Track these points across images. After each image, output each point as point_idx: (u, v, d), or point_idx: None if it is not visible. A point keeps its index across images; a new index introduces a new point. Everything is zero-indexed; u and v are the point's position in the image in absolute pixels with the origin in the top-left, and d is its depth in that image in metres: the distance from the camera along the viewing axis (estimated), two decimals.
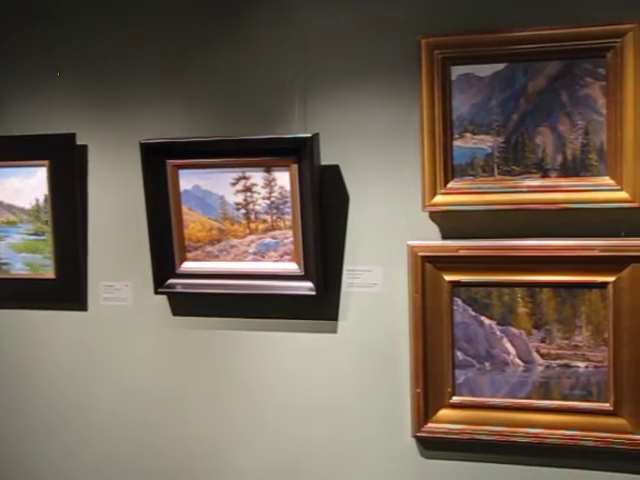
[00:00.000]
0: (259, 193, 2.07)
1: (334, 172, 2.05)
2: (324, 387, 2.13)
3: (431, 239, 1.99)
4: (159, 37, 2.15)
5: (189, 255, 2.15)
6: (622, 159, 1.84)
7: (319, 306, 2.08)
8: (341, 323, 2.09)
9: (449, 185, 1.94)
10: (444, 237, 2.00)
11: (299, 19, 2.04)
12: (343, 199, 2.06)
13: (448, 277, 1.96)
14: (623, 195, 1.85)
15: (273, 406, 2.17)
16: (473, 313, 1.96)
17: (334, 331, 2.10)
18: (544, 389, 1.94)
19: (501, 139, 1.92)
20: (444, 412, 2.00)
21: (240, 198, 2.08)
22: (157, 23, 2.15)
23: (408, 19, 1.97)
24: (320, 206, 2.01)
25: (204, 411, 2.23)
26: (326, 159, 2.04)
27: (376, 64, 2.01)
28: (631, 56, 1.80)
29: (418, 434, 2.01)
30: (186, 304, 2.21)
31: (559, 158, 1.89)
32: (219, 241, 2.12)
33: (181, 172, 2.11)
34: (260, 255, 2.10)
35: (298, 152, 1.99)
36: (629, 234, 1.88)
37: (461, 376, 1.99)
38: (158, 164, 2.11)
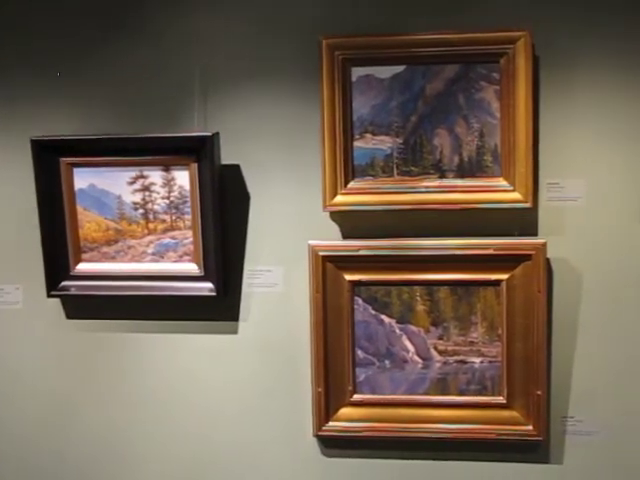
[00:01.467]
0: (158, 192, 2.02)
1: (235, 172, 2.03)
2: (225, 389, 2.11)
3: (332, 239, 2.00)
4: (58, 34, 2.05)
5: (84, 256, 2.07)
6: (515, 161, 1.90)
7: (219, 307, 2.06)
8: (242, 324, 2.08)
9: (349, 185, 1.96)
10: (345, 237, 2.01)
11: (200, 18, 2.00)
12: (244, 199, 2.04)
13: (349, 276, 1.97)
14: (516, 196, 1.91)
15: (174, 409, 2.13)
16: (373, 312, 1.99)
17: (235, 332, 2.08)
18: (442, 385, 1.99)
19: (400, 140, 1.95)
20: (345, 411, 2.02)
21: (138, 197, 2.03)
22: (55, 20, 2.05)
23: (310, 20, 1.97)
24: (220, 206, 1.99)
25: (101, 415, 2.16)
26: (227, 159, 2.01)
27: (277, 64, 2.00)
28: (522, 62, 1.86)
29: (319, 433, 2.02)
30: (81, 307, 2.13)
31: (456, 159, 1.94)
32: (116, 242, 2.06)
33: (76, 170, 2.03)
34: (159, 256, 2.05)
35: (198, 151, 1.96)
36: (522, 234, 1.95)
37: (362, 374, 2.01)
38: (51, 162, 2.02)
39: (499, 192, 1.92)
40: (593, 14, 1.89)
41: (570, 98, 1.92)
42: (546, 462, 2.02)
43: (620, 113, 1.91)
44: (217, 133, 1.98)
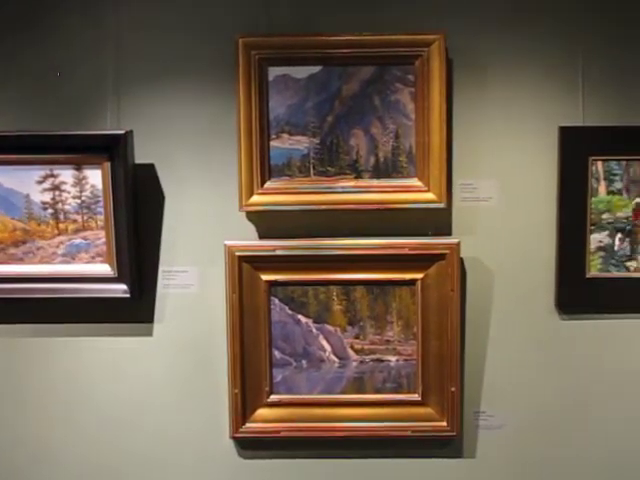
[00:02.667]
0: (69, 192, 1.96)
1: (149, 171, 1.99)
2: (141, 392, 2.07)
3: (248, 239, 1.99)
4: None
5: None
6: (429, 162, 1.93)
7: (134, 309, 2.01)
8: (157, 325, 2.04)
9: (266, 185, 1.95)
10: (261, 237, 2.00)
11: (115, 16, 1.96)
12: (159, 199, 2.01)
13: (265, 277, 1.97)
14: (430, 196, 1.94)
15: (88, 413, 2.08)
16: (290, 312, 1.99)
17: (150, 334, 2.04)
18: (358, 384, 2.01)
19: (317, 140, 1.95)
20: (262, 411, 2.01)
21: (47, 197, 1.96)
22: None
23: (226, 19, 1.95)
24: (134, 206, 1.95)
25: (9, 420, 2.09)
26: (141, 158, 1.98)
27: (194, 63, 1.97)
28: (437, 65, 1.90)
29: (236, 435, 2.01)
30: None
31: (372, 160, 1.96)
32: (24, 242, 1.98)
33: None
34: (70, 257, 1.99)
35: (111, 150, 1.91)
36: (436, 233, 1.99)
37: (278, 375, 2.00)
38: None
39: (414, 192, 1.95)
40: (504, 17, 1.95)
41: (482, 100, 1.97)
42: (459, 456, 2.07)
43: (530, 114, 1.97)
44: (131, 131, 1.94)
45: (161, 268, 2.03)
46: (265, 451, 2.06)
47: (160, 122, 1.99)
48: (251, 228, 2.00)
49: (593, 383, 2.05)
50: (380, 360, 2.00)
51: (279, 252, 1.95)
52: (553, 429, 2.07)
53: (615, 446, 2.07)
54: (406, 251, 1.95)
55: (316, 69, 1.94)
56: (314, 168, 1.96)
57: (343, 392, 2.01)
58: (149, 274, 2.02)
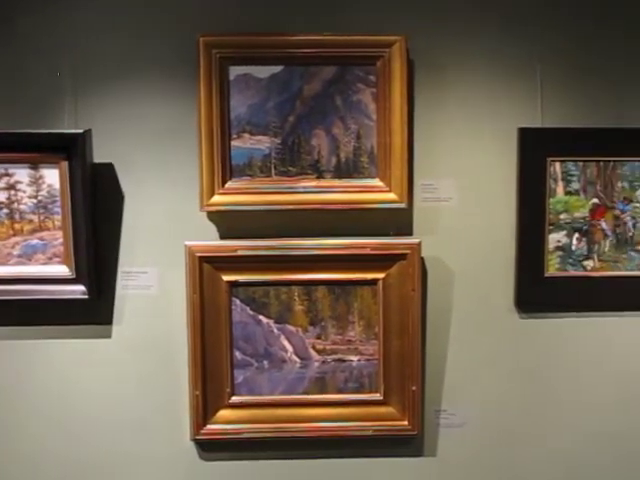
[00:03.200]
0: (24, 191, 1.92)
1: (108, 171, 1.97)
2: (100, 394, 2.03)
3: (209, 239, 1.97)
4: None
5: None
6: (391, 162, 1.94)
7: (92, 310, 1.98)
8: (116, 327, 2.01)
9: (227, 185, 1.94)
10: (222, 237, 1.99)
11: (74, 15, 1.93)
12: (118, 199, 1.98)
13: (226, 277, 1.95)
14: (391, 196, 1.95)
15: (45, 418, 2.04)
16: (251, 312, 1.98)
17: (108, 336, 2.01)
18: (320, 384, 2.00)
19: (278, 140, 1.95)
20: (223, 413, 1.99)
21: (2, 197, 1.92)
22: None
23: (187, 18, 1.94)
24: (92, 206, 1.92)
25: None
26: (100, 157, 1.95)
27: (153, 62, 1.95)
28: (398, 66, 1.91)
29: (197, 437, 1.99)
30: None
31: (333, 160, 1.96)
32: None
33: None
34: (26, 258, 1.94)
35: (68, 149, 1.88)
36: (397, 233, 1.99)
37: (240, 376, 1.99)
38: None
39: (375, 192, 1.96)
40: (465, 18, 1.97)
41: (443, 101, 1.99)
42: (420, 455, 2.08)
43: (489, 115, 2.00)
44: (89, 130, 1.91)
45: (120, 269, 2.00)
46: (226, 453, 2.05)
47: (120, 122, 1.96)
48: (212, 228, 1.99)
49: (552, 380, 2.08)
50: (342, 360, 2.00)
51: (240, 252, 1.94)
52: (513, 427, 2.09)
53: (574, 442, 2.10)
54: (367, 251, 1.96)
55: (278, 69, 1.93)
56: (275, 168, 1.96)
57: (305, 392, 2.00)
58: (108, 275, 1.99)
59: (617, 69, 2.00)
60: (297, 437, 2.01)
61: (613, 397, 2.09)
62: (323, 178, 1.96)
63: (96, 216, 1.93)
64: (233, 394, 1.99)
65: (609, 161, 2.00)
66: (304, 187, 1.95)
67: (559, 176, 2.00)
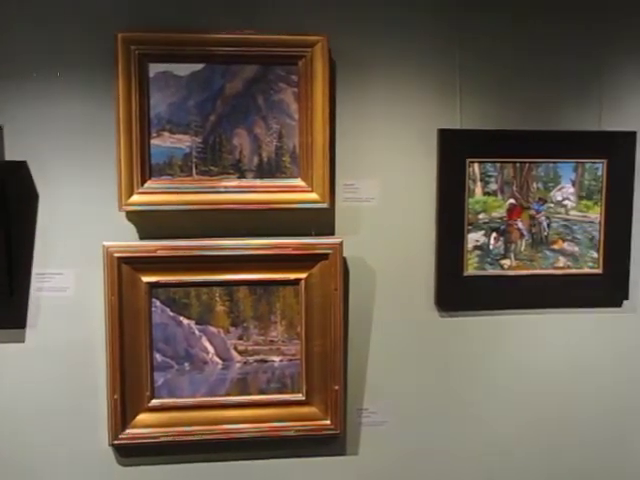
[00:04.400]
0: None
1: (21, 170, 1.90)
2: (14, 400, 1.96)
3: (128, 240, 1.93)
4: None
5: None
6: (312, 162, 1.94)
7: (3, 313, 1.91)
8: (30, 331, 1.95)
9: (146, 185, 1.90)
10: (142, 237, 1.96)
11: None
12: (31, 198, 1.92)
13: (146, 278, 1.92)
14: (313, 196, 1.95)
15: None
16: (172, 313, 1.95)
17: (21, 340, 1.95)
18: (242, 385, 1.99)
19: (199, 139, 1.92)
20: (143, 416, 1.96)
21: None
22: None
23: (105, 13, 1.90)
24: (4, 205, 1.85)
25: None
26: (13, 155, 1.89)
27: (71, 58, 1.90)
28: (320, 66, 1.91)
29: (116, 442, 1.95)
30: None
31: (255, 159, 1.95)
32: None
33: None
34: None
35: None
36: (319, 233, 2.00)
37: (160, 378, 1.96)
38: None
39: (297, 192, 1.95)
40: (386, 19, 1.99)
41: (364, 101, 2.00)
42: (343, 454, 2.09)
43: (410, 115, 2.02)
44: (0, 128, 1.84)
45: (34, 270, 1.94)
46: (146, 457, 2.01)
47: (35, 119, 1.90)
48: (131, 229, 1.95)
49: (472, 378, 2.12)
50: (264, 361, 1.99)
51: (160, 253, 1.91)
52: (434, 424, 2.12)
53: (492, 439, 2.15)
54: (290, 251, 1.95)
55: (198, 67, 1.91)
56: (196, 167, 1.93)
57: (227, 394, 1.98)
58: (21, 277, 1.92)
59: (535, 72, 2.06)
60: (219, 439, 1.99)
61: (531, 393, 2.15)
62: (245, 178, 1.95)
63: (8, 216, 1.87)
64: (153, 397, 1.96)
65: (525, 162, 2.06)
66: (225, 187, 1.94)
67: (477, 177, 2.04)
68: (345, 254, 1.98)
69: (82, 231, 1.94)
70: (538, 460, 2.18)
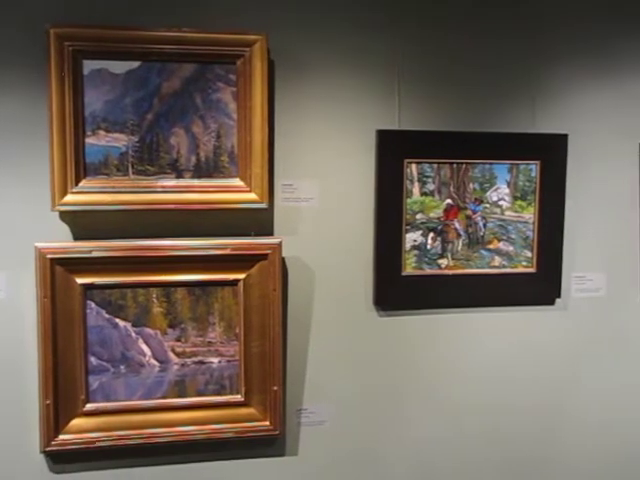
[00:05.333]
0: None
1: None
2: None
3: (62, 240, 1.89)
4: None
5: None
6: (251, 162, 1.93)
7: None
8: None
9: (81, 184, 1.86)
10: (76, 238, 1.91)
11: None
12: None
13: (80, 280, 1.88)
14: (252, 196, 1.94)
15: None
16: (107, 316, 1.91)
17: None
18: (180, 387, 1.97)
19: (136, 138, 1.89)
20: (77, 421, 1.91)
21: None
22: None
23: (37, 7, 1.84)
24: None
25: None
26: None
27: (2, 57, 1.84)
28: (259, 65, 1.90)
29: (48, 449, 1.90)
30: None
31: (193, 159, 1.93)
32: None
33: None
34: None
35: None
36: (258, 233, 1.99)
37: (95, 382, 1.92)
38: None
39: (236, 192, 1.94)
40: (325, 19, 1.99)
41: (303, 101, 2.01)
42: (282, 455, 2.09)
43: (349, 116, 2.03)
44: None
45: None
46: (80, 464, 1.96)
47: None
48: (65, 229, 1.91)
49: (410, 377, 2.14)
50: (202, 362, 1.97)
51: (95, 254, 1.87)
52: (373, 423, 2.14)
53: (430, 437, 2.17)
54: (228, 251, 1.94)
55: (135, 64, 1.88)
56: (133, 167, 1.90)
57: (164, 397, 1.96)
58: None
59: (472, 75, 2.09)
60: (156, 443, 1.96)
61: (467, 391, 2.18)
62: (182, 178, 1.92)
63: None
64: (88, 401, 1.92)
65: (462, 163, 2.09)
66: (163, 187, 1.91)
67: (415, 177, 2.07)
68: (284, 254, 1.98)
69: (14, 231, 1.88)
70: (475, 457, 2.22)
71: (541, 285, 2.18)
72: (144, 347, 1.94)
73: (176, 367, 1.96)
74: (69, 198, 1.85)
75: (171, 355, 1.95)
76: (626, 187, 2.22)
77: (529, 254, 2.15)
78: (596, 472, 2.30)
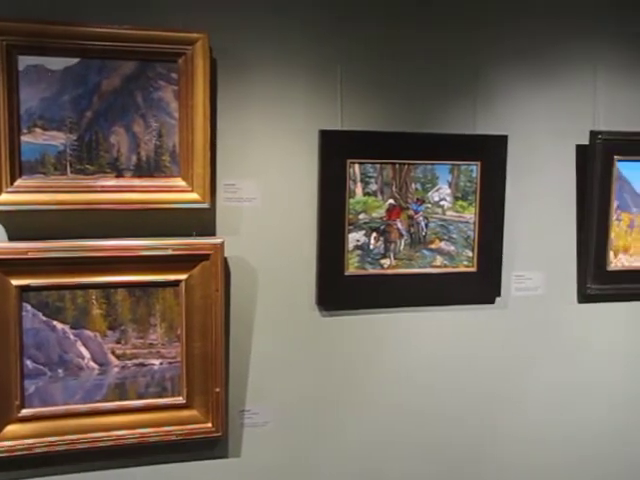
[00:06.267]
0: None
1: None
2: None
3: None
4: None
5: None
6: (193, 161, 1.91)
7: None
8: None
9: (16, 183, 1.82)
10: (11, 238, 1.86)
11: None
12: None
13: (16, 281, 1.83)
14: (194, 196, 1.92)
15: None
16: (44, 318, 1.87)
17: None
18: (120, 390, 1.93)
19: (74, 137, 1.85)
20: (12, 428, 1.86)
21: None
22: None
23: None
24: None
25: None
26: None
27: None
28: (201, 64, 1.88)
29: None
30: None
31: (134, 158, 1.90)
32: None
33: None
34: None
35: None
36: (200, 234, 1.97)
37: (31, 386, 1.87)
38: None
39: (177, 192, 1.92)
40: (268, 18, 1.99)
41: (246, 100, 2.00)
42: (225, 456, 2.07)
43: (293, 115, 2.03)
44: None
45: None
46: (16, 471, 1.91)
47: None
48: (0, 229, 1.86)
49: (353, 377, 2.15)
50: (143, 364, 1.94)
51: (31, 255, 1.82)
52: (316, 424, 2.14)
53: (372, 437, 2.19)
54: (170, 252, 1.91)
55: (73, 61, 1.84)
56: (71, 166, 1.86)
57: (104, 400, 1.92)
58: None
59: (414, 76, 2.11)
60: (96, 448, 1.92)
61: (411, 389, 2.20)
62: (123, 177, 1.89)
63: None
64: (23, 407, 1.87)
65: (404, 164, 2.11)
66: (102, 186, 1.87)
67: (358, 177, 2.08)
68: (226, 254, 1.96)
69: None
70: (422, 455, 2.24)
71: (482, 284, 2.21)
72: (83, 350, 1.90)
73: (116, 370, 1.92)
74: (4, 197, 1.80)
75: (111, 357, 1.91)
76: (564, 188, 2.27)
77: (470, 254, 2.18)
78: (536, 472, 2.35)
